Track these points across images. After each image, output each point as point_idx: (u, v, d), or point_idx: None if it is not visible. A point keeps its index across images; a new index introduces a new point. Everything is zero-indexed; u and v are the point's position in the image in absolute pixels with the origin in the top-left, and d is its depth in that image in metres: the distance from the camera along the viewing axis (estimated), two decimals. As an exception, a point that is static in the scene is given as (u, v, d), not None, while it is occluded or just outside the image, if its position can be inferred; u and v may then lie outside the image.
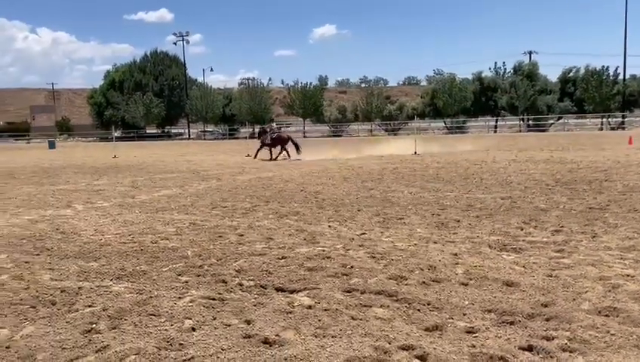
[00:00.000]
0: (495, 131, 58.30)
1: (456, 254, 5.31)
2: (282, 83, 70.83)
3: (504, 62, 62.90)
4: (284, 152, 21.33)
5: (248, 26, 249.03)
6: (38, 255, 5.72)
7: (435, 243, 5.84)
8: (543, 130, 53.42)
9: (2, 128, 70.36)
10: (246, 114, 62.45)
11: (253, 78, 72.81)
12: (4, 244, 6.26)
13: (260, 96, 65.90)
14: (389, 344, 3.20)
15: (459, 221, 7.05)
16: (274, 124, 26.44)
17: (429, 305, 3.86)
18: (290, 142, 21.24)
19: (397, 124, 60.94)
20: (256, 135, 24.14)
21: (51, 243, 6.25)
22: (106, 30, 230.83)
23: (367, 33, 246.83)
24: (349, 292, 4.20)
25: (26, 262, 5.39)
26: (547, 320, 3.52)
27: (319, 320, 3.60)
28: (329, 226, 6.94)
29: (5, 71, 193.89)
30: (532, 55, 65.03)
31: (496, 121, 61.86)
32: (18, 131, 70.09)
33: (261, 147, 21.67)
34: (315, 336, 3.34)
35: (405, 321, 3.57)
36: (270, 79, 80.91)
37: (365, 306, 3.87)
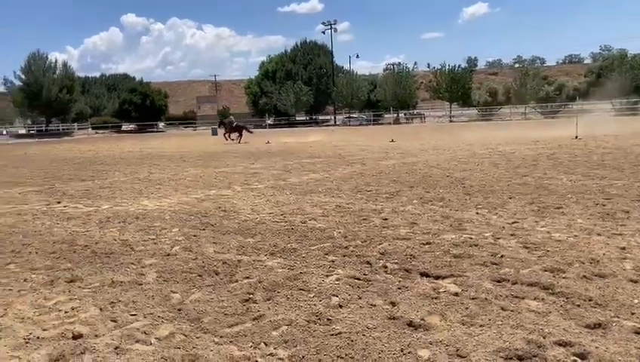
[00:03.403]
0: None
1: (623, 248, 4.76)
2: (428, 66, 69.37)
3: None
4: (239, 136, 29.32)
5: (395, 10, 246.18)
6: (203, 230, 6.36)
7: (599, 235, 5.30)
8: None
9: (175, 117, 78.66)
10: (391, 99, 62.27)
11: (399, 63, 72.18)
12: (177, 219, 7.07)
13: (405, 81, 65.14)
14: (544, 338, 2.99)
15: (628, 212, 6.30)
16: (232, 118, 35.32)
17: (590, 301, 3.53)
18: (244, 130, 30.03)
19: (555, 106, 56.03)
20: (221, 123, 33.75)
21: (214, 220, 6.90)
22: (262, 23, 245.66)
23: (522, 10, 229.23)
24: (498, 282, 4.01)
25: (194, 236, 6.03)
26: None
27: (466, 308, 3.50)
28: (477, 213, 6.67)
29: (177, 65, 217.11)
30: None
31: (680, 101, 53.68)
32: (187, 119, 78.01)
33: (227, 133, 30.12)
34: (462, 324, 3.25)
35: (562, 316, 3.31)
36: (416, 63, 79.83)
37: (517, 297, 3.66)
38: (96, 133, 62.05)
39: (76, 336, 3.32)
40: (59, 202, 9.05)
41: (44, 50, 69.53)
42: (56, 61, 61.71)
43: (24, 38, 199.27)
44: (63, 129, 63.26)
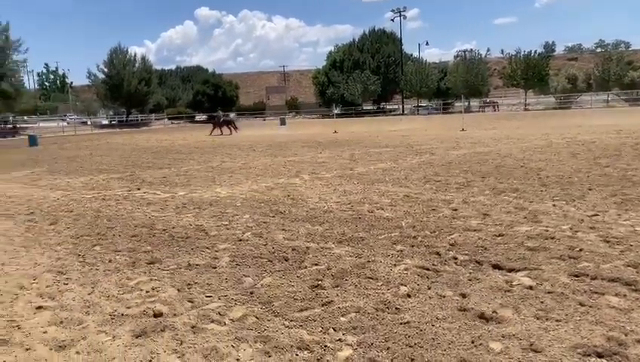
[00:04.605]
0: None
1: None
2: (502, 53, 66.16)
3: None
4: (229, 129, 32.38)
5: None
6: (273, 217, 6.52)
7: (691, 230, 4.93)
8: None
9: (245, 107, 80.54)
10: (461, 87, 60.34)
11: (470, 50, 69.78)
12: (248, 206, 7.28)
13: (477, 68, 62.93)
14: (626, 336, 2.85)
15: None
16: (220, 112, 38.77)
17: (680, 300, 3.31)
18: (232, 124, 33.47)
19: (642, 92, 52.14)
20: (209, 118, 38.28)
21: (284, 208, 7.05)
22: (330, 13, 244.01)
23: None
24: (576, 276, 3.84)
25: (264, 222, 6.20)
26: None
27: (541, 302, 3.38)
28: (553, 205, 6.39)
29: (247, 57, 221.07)
30: None
31: None
32: (256, 110, 79.71)
33: (214, 127, 32.82)
34: (537, 318, 3.15)
35: (647, 315, 3.12)
36: (488, 49, 76.75)
37: (596, 293, 3.49)
38: (172, 123, 64.76)
39: (157, 315, 3.53)
40: (139, 188, 9.58)
41: (124, 44, 73.34)
42: (135, 55, 64.83)
43: (106, 33, 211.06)
44: (142, 119, 66.53)
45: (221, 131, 32.36)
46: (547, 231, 5.15)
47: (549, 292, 3.54)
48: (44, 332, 3.34)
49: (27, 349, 3.12)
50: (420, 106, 68.29)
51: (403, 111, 68.77)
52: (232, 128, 32.71)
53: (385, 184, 8.75)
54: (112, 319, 3.52)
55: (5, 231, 6.49)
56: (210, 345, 3.05)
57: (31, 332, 3.36)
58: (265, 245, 5.17)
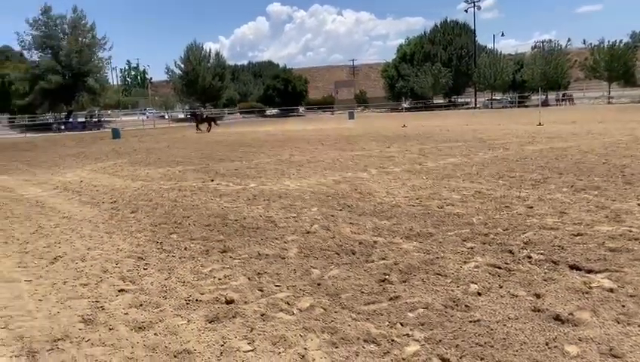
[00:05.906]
0: None
1: None
2: (584, 43, 62.20)
3: None
4: (209, 126, 33.69)
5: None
6: (340, 210, 6.56)
7: None
8: None
9: (314, 102, 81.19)
10: (539, 80, 57.58)
11: (549, 40, 66.36)
12: (316, 199, 7.37)
13: (557, 60, 59.78)
14: None
15: None
16: (202, 109, 40.41)
17: None
18: (213, 121, 34.91)
19: None
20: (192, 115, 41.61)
21: (351, 201, 7.07)
22: (402, 5, 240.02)
23: None
24: (663, 280, 3.59)
25: (331, 216, 6.25)
26: None
27: (623, 306, 3.19)
28: (638, 204, 5.98)
29: (317, 51, 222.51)
30: None
31: None
32: (325, 104, 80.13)
33: (197, 123, 34.61)
34: (617, 322, 2.98)
35: None
36: (569, 40, 72.60)
37: (686, 300, 3.25)
38: (243, 117, 66.49)
39: (229, 301, 3.67)
40: (212, 180, 9.94)
41: (200, 41, 76.03)
42: (210, 51, 67.18)
43: (184, 30, 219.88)
44: (215, 114, 68.92)
45: (204, 128, 33.46)
46: (631, 231, 4.85)
47: (631, 296, 3.34)
48: (125, 314, 3.57)
49: (110, 329, 3.34)
50: (494, 100, 65.94)
51: (476, 104, 66.70)
52: (213, 124, 34.15)
53: (455, 179, 8.55)
54: (187, 304, 3.69)
55: (91, 218, 6.96)
56: (278, 333, 3.13)
57: (114, 313, 3.59)
58: (332, 238, 5.22)
